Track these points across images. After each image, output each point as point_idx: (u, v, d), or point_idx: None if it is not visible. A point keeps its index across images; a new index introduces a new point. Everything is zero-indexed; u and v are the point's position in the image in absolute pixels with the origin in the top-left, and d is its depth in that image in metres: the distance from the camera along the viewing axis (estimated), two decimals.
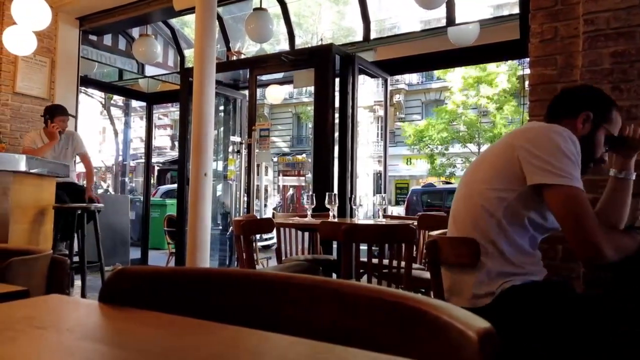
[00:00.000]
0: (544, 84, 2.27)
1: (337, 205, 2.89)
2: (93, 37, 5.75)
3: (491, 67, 14.35)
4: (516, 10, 3.75)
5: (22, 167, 2.72)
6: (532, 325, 1.27)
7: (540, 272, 1.38)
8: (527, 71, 2.50)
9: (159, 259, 6.85)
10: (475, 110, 15.58)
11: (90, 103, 14.57)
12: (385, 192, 4.11)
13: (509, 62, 14.48)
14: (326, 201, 2.85)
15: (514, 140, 1.37)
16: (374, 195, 15.32)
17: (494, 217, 1.34)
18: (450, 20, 3.94)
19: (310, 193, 3.16)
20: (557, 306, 1.30)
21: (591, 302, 1.41)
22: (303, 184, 18.25)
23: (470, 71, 14.61)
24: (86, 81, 5.79)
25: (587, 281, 1.86)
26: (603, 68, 1.99)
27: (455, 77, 15.15)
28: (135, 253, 6.13)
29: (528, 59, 2.38)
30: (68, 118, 4.06)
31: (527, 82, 2.69)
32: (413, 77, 18.84)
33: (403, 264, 2.14)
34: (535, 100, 2.29)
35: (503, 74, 14.41)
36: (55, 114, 3.96)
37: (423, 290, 2.45)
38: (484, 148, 15.54)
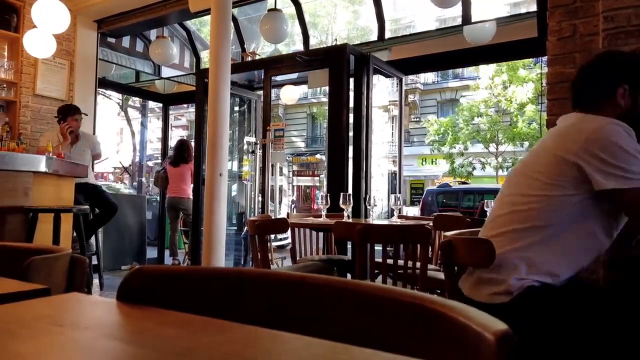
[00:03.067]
0: (562, 82, 2.24)
1: (351, 205, 2.89)
2: (111, 40, 5.83)
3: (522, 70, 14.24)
4: (533, 7, 3.70)
5: (42, 167, 2.77)
6: (549, 327, 1.25)
7: (566, 274, 1.34)
8: (546, 70, 2.47)
9: None
10: (495, 109, 15.40)
11: (108, 104, 14.81)
12: (400, 193, 4.09)
13: (536, 66, 14.35)
14: (340, 201, 2.84)
15: (566, 144, 1.31)
16: (388, 195, 15.26)
17: (543, 222, 1.30)
18: (467, 18, 3.91)
19: (325, 193, 3.16)
20: (577, 308, 1.28)
21: (612, 303, 1.38)
22: (317, 184, 18.26)
23: (499, 69, 14.47)
24: (104, 83, 5.88)
25: (607, 282, 1.83)
26: None
27: (482, 74, 15.00)
28: (151, 252, 6.20)
29: (546, 57, 2.35)
30: (81, 117, 4.10)
31: (544, 81, 2.65)
32: (428, 77, 18.71)
33: (418, 264, 2.13)
34: (554, 99, 2.26)
35: (531, 82, 14.23)
36: (68, 113, 4.02)
37: (439, 291, 2.43)
38: (502, 148, 15.37)
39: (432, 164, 18.04)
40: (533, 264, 1.29)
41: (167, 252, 6.32)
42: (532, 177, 1.36)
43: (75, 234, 3.35)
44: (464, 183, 13.49)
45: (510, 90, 14.58)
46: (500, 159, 15.58)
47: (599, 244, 1.33)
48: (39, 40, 3.89)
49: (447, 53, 4.31)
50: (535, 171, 1.36)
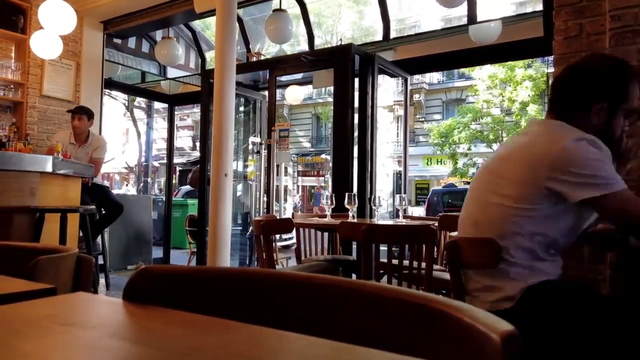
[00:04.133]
0: None
1: (356, 205, 2.88)
2: (117, 41, 5.86)
3: (519, 69, 14.12)
4: (539, 7, 3.67)
5: (48, 167, 2.79)
6: (554, 329, 1.24)
7: (556, 273, 1.35)
8: (552, 69, 2.45)
9: (180, 258, 6.95)
10: (499, 109, 15.33)
11: (114, 105, 14.87)
12: (405, 193, 4.08)
13: (535, 64, 14.24)
14: (345, 201, 2.84)
15: (534, 168, 1.30)
16: (393, 195, 15.23)
17: (519, 230, 1.31)
18: (472, 18, 3.89)
19: (330, 193, 3.16)
20: (580, 309, 1.27)
21: (615, 305, 1.37)
22: (322, 184, 18.26)
23: (499, 70, 14.38)
24: (110, 83, 5.90)
25: (613, 283, 1.82)
26: (631, 65, 1.93)
27: (482, 75, 14.91)
28: (157, 252, 6.23)
29: (552, 57, 2.33)
30: (82, 117, 4.10)
31: (550, 80, 2.63)
32: (434, 77, 18.65)
33: (424, 264, 2.12)
34: None
35: (528, 80, 14.12)
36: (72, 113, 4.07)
37: (444, 291, 2.42)
38: None
39: (437, 164, 17.98)
40: (525, 266, 1.31)
41: (172, 252, 6.34)
42: (501, 193, 1.35)
43: (81, 234, 3.37)
44: (469, 183, 13.44)
45: (509, 90, 14.48)
46: None
47: (576, 227, 1.36)
48: (46, 41, 3.91)
49: (453, 53, 4.30)
50: (505, 187, 1.35)
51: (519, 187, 1.32)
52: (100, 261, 4.10)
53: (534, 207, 1.30)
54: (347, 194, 2.88)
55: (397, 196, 2.93)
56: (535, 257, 1.31)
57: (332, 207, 2.98)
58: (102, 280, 3.98)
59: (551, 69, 2.38)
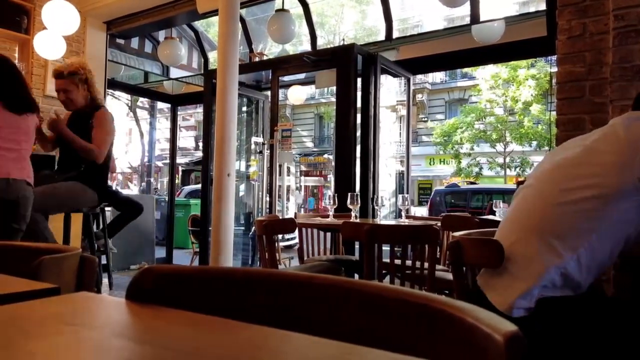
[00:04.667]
0: (572, 81, 2.22)
1: (359, 205, 2.88)
2: (120, 41, 5.88)
3: (521, 69, 14.08)
4: (543, 6, 3.67)
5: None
6: (562, 332, 1.23)
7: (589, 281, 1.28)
8: (555, 69, 2.45)
9: (183, 258, 6.96)
10: (502, 108, 15.30)
11: (117, 105, 14.91)
12: (407, 193, 4.08)
13: (538, 64, 14.20)
14: (348, 201, 2.84)
15: (626, 159, 1.21)
16: (396, 195, 15.21)
17: (588, 224, 1.24)
18: (475, 17, 3.88)
19: (333, 193, 3.16)
20: (587, 311, 1.25)
21: (621, 306, 1.36)
22: (325, 184, 18.27)
23: (501, 70, 14.34)
24: (113, 84, 5.92)
25: (617, 283, 1.81)
26: (634, 65, 1.93)
27: (485, 74, 14.88)
28: (160, 252, 6.24)
29: (555, 57, 2.33)
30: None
31: (554, 80, 2.63)
32: (436, 76, 18.63)
33: (426, 265, 2.12)
34: (563, 99, 2.24)
35: (531, 79, 14.08)
36: None
37: (447, 291, 2.42)
38: (511, 148, 15.24)
39: (440, 163, 17.96)
40: (565, 276, 1.24)
41: (175, 252, 6.36)
42: (579, 183, 1.26)
43: (94, 231, 3.35)
44: (472, 183, 13.42)
45: (512, 90, 14.44)
46: (508, 159, 15.47)
47: (621, 247, 1.28)
48: (49, 41, 3.92)
49: (455, 52, 4.29)
50: (585, 175, 1.26)
51: (613, 173, 1.22)
52: (104, 261, 4.10)
53: (623, 200, 1.21)
54: (349, 194, 2.88)
55: (400, 196, 2.92)
56: (580, 272, 1.22)
57: (335, 207, 2.99)
58: (105, 280, 3.99)
59: (554, 69, 2.37)
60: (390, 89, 16.03)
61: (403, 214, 2.95)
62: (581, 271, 1.23)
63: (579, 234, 1.24)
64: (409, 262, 2.15)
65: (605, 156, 1.26)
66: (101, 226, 3.59)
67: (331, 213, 3.01)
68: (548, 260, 1.23)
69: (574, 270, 1.23)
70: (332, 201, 2.99)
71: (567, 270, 1.23)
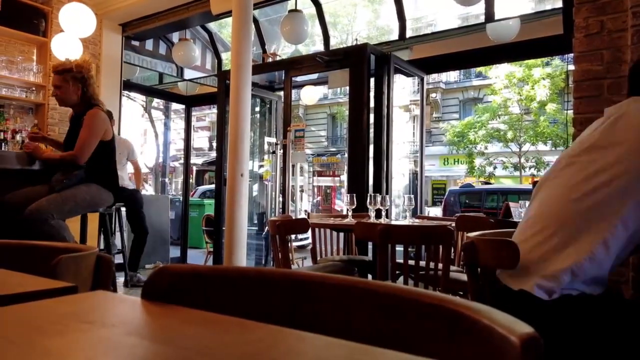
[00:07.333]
0: (589, 80, 2.18)
1: (376, 205, 2.87)
2: (135, 43, 5.95)
3: (536, 68, 13.90)
4: (559, 4, 3.61)
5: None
6: (578, 334, 1.21)
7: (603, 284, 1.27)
8: (572, 67, 2.41)
9: (197, 257, 7.02)
10: (517, 107, 15.11)
11: (132, 106, 15.09)
12: (421, 193, 4.05)
13: (554, 62, 14.00)
14: (367, 201, 2.84)
15: None
16: (409, 195, 15.07)
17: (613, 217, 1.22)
18: (490, 16, 3.85)
19: (346, 193, 3.15)
20: (606, 313, 1.23)
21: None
22: (338, 184, 18.25)
23: (516, 69, 14.17)
24: (128, 85, 5.99)
25: (636, 285, 1.78)
26: None
27: (499, 73, 14.71)
28: (174, 252, 6.30)
29: (572, 55, 2.29)
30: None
31: (570, 79, 2.59)
32: (450, 76, 18.48)
33: (440, 265, 2.11)
34: (580, 97, 2.20)
35: (547, 78, 13.88)
36: None
37: (461, 293, 2.40)
38: (526, 148, 15.06)
39: (454, 163, 17.81)
40: (584, 273, 1.21)
41: (190, 252, 6.41)
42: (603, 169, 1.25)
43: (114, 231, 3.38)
44: (487, 183, 13.29)
45: (526, 89, 14.25)
46: (522, 159, 15.27)
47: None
48: (66, 44, 3.99)
49: (470, 51, 4.25)
50: (602, 165, 1.26)
51: (633, 158, 1.22)
52: (120, 260, 4.15)
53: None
54: (369, 194, 2.88)
55: (405, 196, 2.90)
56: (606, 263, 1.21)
57: (354, 207, 2.99)
58: (120, 279, 4.04)
59: (571, 67, 2.33)
60: (403, 89, 15.95)
61: (408, 214, 2.92)
62: (610, 255, 1.21)
63: (603, 218, 1.23)
64: (422, 263, 2.14)
65: (622, 144, 1.26)
66: (116, 225, 3.64)
67: (350, 213, 3.01)
68: (575, 251, 1.22)
69: (602, 256, 1.21)
70: (348, 201, 3.00)
71: (595, 256, 1.21)
